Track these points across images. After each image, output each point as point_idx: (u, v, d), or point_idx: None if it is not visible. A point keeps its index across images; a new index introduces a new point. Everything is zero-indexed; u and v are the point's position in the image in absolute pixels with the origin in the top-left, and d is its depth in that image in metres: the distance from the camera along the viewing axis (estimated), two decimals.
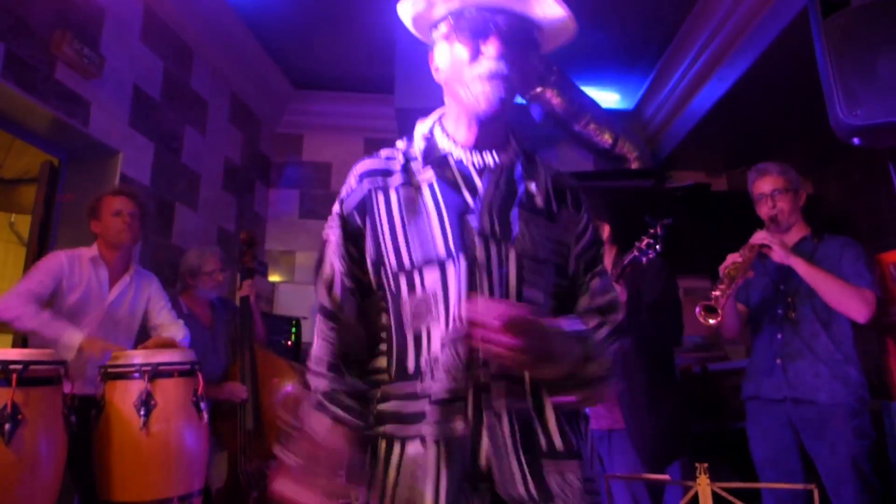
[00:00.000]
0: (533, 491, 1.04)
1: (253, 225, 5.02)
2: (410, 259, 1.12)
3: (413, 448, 1.07)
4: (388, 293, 1.16)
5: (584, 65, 4.73)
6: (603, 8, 4.05)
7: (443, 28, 1.17)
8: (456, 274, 1.08)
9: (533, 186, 1.19)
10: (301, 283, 5.29)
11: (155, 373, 2.26)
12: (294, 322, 4.54)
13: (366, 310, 1.21)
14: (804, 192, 2.56)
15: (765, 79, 3.93)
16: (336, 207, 1.23)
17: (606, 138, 4.84)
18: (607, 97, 5.26)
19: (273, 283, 5.20)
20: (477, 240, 1.10)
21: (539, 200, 1.19)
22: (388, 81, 4.17)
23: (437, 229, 1.12)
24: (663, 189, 5.14)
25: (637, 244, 2.45)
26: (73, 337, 2.40)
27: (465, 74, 1.12)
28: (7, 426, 1.81)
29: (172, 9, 3.87)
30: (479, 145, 1.19)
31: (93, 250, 2.70)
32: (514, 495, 1.04)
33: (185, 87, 4.14)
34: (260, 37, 4.54)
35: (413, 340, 1.11)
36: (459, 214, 1.12)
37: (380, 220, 1.16)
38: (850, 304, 2.27)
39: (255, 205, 5.15)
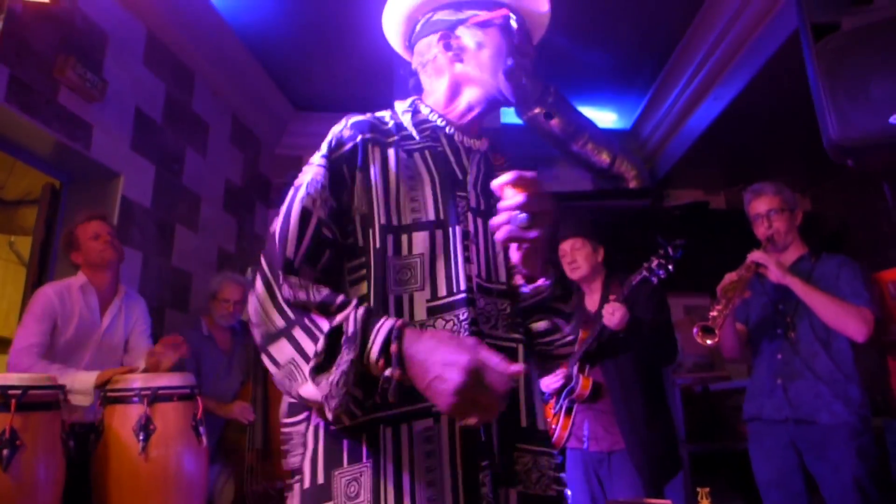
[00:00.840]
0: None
1: (253, 246, 5.03)
2: (399, 218, 1.09)
3: (421, 424, 0.99)
4: (370, 251, 1.07)
5: (581, 85, 4.77)
6: (599, 28, 4.10)
7: (481, 14, 1.22)
8: (449, 241, 1.08)
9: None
10: None
11: (154, 397, 2.25)
12: None
13: (330, 269, 1.08)
14: (800, 212, 2.58)
15: (761, 97, 3.97)
16: (323, 149, 1.15)
17: (604, 158, 4.87)
18: (604, 117, 5.30)
19: None
20: (470, 214, 1.13)
21: None
22: (387, 103, 4.19)
23: (429, 196, 1.12)
24: (662, 208, 5.17)
25: (646, 264, 2.46)
26: (87, 381, 2.39)
27: (495, 63, 1.19)
28: (5, 452, 1.80)
29: (174, 32, 3.92)
30: (470, 128, 1.24)
31: (80, 278, 2.68)
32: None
33: (187, 110, 4.18)
34: (261, 59, 4.58)
35: (394, 305, 1.04)
36: (451, 186, 1.14)
37: (374, 173, 1.11)
38: (848, 323, 2.27)
39: (256, 226, 5.17)
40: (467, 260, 1.08)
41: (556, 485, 1.07)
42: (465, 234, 1.10)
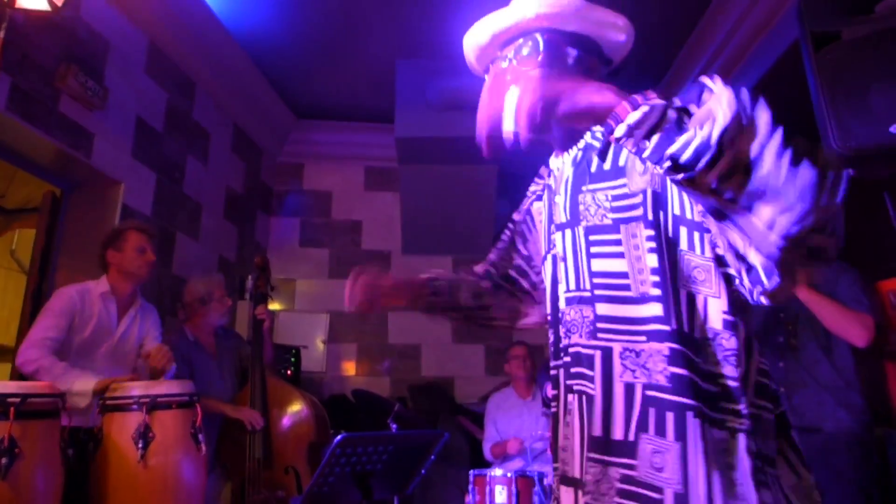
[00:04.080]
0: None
1: (253, 254, 5.03)
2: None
3: (572, 398, 1.13)
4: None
5: None
6: None
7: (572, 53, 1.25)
8: (549, 268, 1.26)
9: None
10: (302, 311, 5.28)
11: (153, 405, 2.24)
12: (294, 351, 4.52)
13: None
14: None
15: None
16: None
17: None
18: None
19: (273, 312, 5.19)
20: (559, 231, 1.22)
21: (597, 164, 1.19)
22: (388, 111, 4.22)
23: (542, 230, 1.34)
24: None
25: None
26: (86, 384, 2.38)
27: None
28: (4, 460, 1.80)
29: (176, 41, 3.93)
30: (557, 146, 1.31)
31: (103, 284, 2.70)
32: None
33: (188, 118, 4.19)
34: (262, 67, 4.60)
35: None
36: (550, 215, 1.30)
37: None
38: (850, 328, 2.27)
39: (256, 234, 5.17)
40: (557, 280, 1.21)
41: (619, 497, 1.02)
42: (554, 259, 1.23)
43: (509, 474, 3.03)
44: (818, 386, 2.35)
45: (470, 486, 3.12)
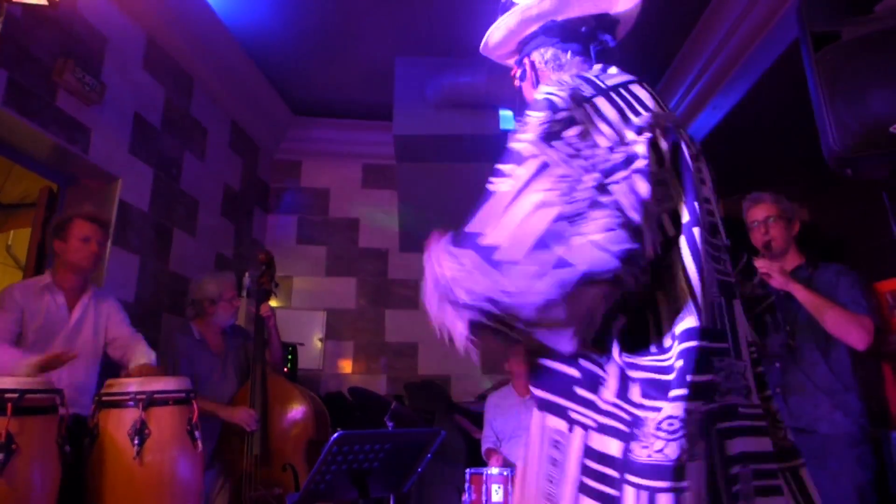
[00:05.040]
0: None
1: (251, 251, 5.02)
2: None
3: None
4: None
5: None
6: None
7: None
8: None
9: None
10: (298, 308, 5.27)
11: (150, 401, 2.24)
12: (290, 349, 4.51)
13: None
14: (797, 221, 2.59)
15: (759, 107, 3.98)
16: None
17: None
18: None
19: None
20: None
21: None
22: (386, 108, 4.21)
23: None
24: None
25: None
26: (24, 365, 2.25)
27: None
28: (0, 456, 1.79)
29: (174, 37, 3.92)
30: None
31: (45, 278, 2.64)
32: None
33: (185, 114, 4.18)
34: (260, 64, 4.59)
35: None
36: None
37: None
38: (850, 330, 2.27)
39: (254, 231, 5.16)
40: None
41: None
42: None
43: (506, 473, 3.03)
44: (815, 387, 2.35)
45: (466, 485, 3.12)
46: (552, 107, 1.07)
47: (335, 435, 1.99)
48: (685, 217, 1.05)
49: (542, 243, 0.94)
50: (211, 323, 3.33)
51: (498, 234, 0.98)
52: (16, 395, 1.87)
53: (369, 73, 4.54)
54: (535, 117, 1.07)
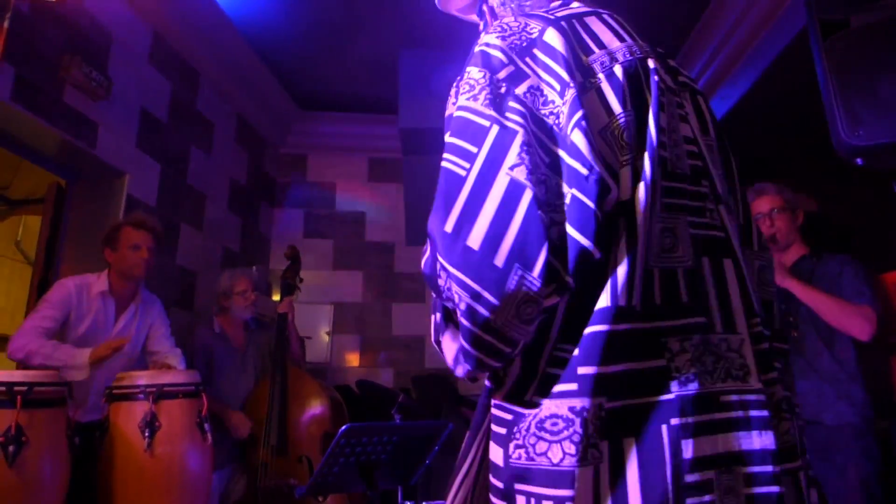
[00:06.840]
0: None
1: (258, 245, 5.03)
2: None
3: None
4: None
5: None
6: None
7: None
8: None
9: None
10: (306, 302, 5.27)
11: (160, 394, 2.26)
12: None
13: None
14: (802, 212, 2.57)
15: (767, 97, 3.96)
16: None
17: None
18: None
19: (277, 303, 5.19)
20: None
21: None
22: (392, 102, 4.20)
23: None
24: None
25: None
26: (81, 356, 2.40)
27: None
28: (11, 448, 1.81)
29: (180, 32, 3.92)
30: None
31: (102, 282, 2.69)
32: None
33: (192, 109, 4.18)
34: (265, 59, 4.59)
35: None
36: None
37: None
38: (851, 322, 2.26)
39: (260, 225, 5.17)
40: None
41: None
42: None
43: None
44: (819, 378, 2.33)
45: None
46: (488, 64, 0.90)
47: (343, 428, 1.99)
48: (645, 165, 0.86)
49: (522, 247, 0.78)
50: (231, 317, 3.40)
51: (472, 235, 0.81)
52: (25, 388, 1.89)
53: (375, 66, 4.53)
54: (474, 78, 0.90)
